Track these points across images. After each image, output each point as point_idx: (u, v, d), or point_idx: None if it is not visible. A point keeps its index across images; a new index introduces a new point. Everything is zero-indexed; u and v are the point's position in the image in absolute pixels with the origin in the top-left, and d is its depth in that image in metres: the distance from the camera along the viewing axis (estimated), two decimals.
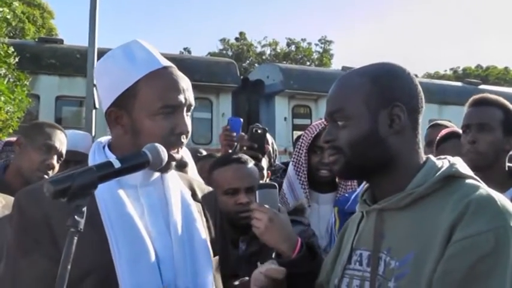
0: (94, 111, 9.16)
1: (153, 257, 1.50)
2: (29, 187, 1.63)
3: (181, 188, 1.70)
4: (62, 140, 2.69)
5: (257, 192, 1.91)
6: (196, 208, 1.70)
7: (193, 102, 1.61)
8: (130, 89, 1.53)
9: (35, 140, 2.63)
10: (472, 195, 1.29)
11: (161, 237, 1.55)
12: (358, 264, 1.46)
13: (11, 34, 16.55)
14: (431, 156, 1.46)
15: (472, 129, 2.38)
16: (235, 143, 2.92)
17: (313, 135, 2.70)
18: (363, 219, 1.53)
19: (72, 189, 1.13)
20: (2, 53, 6.46)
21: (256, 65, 32.81)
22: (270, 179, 3.47)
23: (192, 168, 2.71)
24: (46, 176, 2.57)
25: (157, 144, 1.36)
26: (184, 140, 1.58)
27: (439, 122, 3.61)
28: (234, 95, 11.86)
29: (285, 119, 12.09)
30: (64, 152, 2.70)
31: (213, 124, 11.39)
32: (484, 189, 1.34)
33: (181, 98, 1.55)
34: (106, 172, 1.20)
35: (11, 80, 6.55)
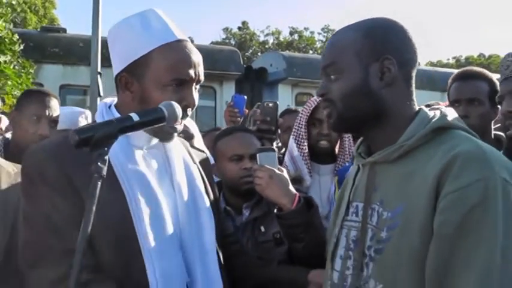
0: (98, 99, 9.20)
1: (167, 212, 1.59)
2: (42, 143, 1.67)
3: (182, 151, 1.79)
4: (52, 106, 2.74)
5: (257, 155, 2.09)
6: (197, 170, 1.80)
7: (202, 77, 1.67)
8: (143, 58, 1.59)
9: (25, 112, 2.69)
10: (460, 146, 1.29)
11: (168, 196, 1.64)
12: (355, 215, 1.50)
13: (14, 21, 16.54)
14: (424, 107, 1.48)
15: (462, 104, 2.55)
16: (239, 119, 3.01)
17: (311, 108, 2.79)
18: (358, 172, 1.57)
19: (94, 139, 1.20)
20: (7, 40, 6.51)
21: (259, 54, 32.76)
22: None
23: (198, 140, 2.80)
24: None
25: (172, 102, 1.43)
26: (189, 112, 1.63)
27: (430, 103, 3.58)
28: (237, 83, 11.85)
29: (288, 106, 12.09)
30: (57, 116, 2.77)
31: (216, 112, 11.42)
32: (475, 140, 1.35)
33: (192, 72, 1.61)
34: (125, 125, 1.29)
35: (17, 67, 6.61)
